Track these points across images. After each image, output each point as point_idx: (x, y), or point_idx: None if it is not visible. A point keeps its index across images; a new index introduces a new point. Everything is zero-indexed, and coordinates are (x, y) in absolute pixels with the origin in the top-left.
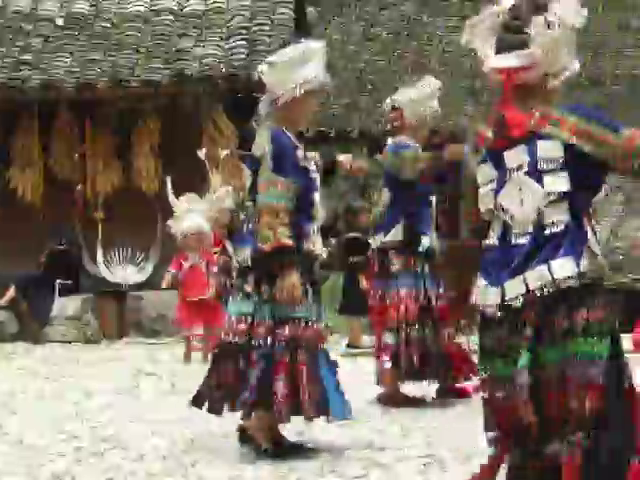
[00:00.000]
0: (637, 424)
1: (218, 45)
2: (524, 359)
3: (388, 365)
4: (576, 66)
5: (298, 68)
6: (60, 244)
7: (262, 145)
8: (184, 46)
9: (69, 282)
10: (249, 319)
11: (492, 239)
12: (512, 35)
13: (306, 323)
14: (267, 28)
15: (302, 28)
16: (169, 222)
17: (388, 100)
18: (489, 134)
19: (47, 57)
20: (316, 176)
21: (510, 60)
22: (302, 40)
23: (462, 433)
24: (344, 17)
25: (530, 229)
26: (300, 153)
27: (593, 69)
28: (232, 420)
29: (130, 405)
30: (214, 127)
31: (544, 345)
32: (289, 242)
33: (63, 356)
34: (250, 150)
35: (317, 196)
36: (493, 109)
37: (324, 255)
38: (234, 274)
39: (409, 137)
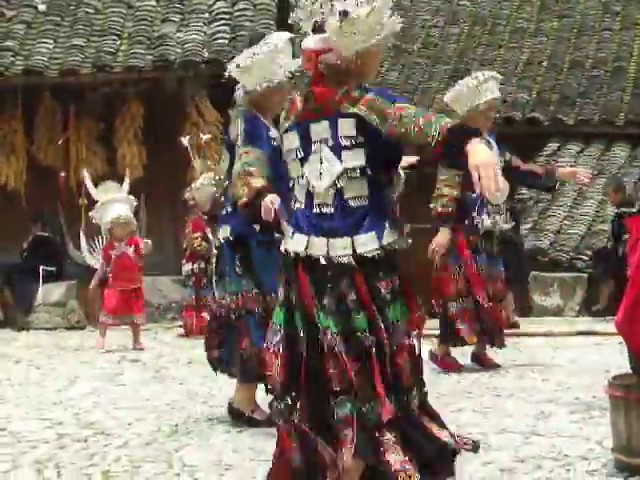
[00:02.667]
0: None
1: (200, 30)
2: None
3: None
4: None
5: (265, 67)
6: (43, 231)
7: (236, 127)
8: (167, 31)
9: (53, 269)
10: (235, 297)
11: (298, 204)
12: (317, 21)
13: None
14: (249, 13)
15: (284, 12)
16: (91, 213)
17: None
18: (299, 106)
19: (30, 43)
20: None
21: (311, 42)
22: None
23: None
24: None
25: (330, 201)
26: (273, 133)
27: (575, 52)
28: (215, 406)
29: (114, 392)
30: (197, 112)
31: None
32: (261, 186)
33: (47, 343)
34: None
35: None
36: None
37: None
38: (213, 260)
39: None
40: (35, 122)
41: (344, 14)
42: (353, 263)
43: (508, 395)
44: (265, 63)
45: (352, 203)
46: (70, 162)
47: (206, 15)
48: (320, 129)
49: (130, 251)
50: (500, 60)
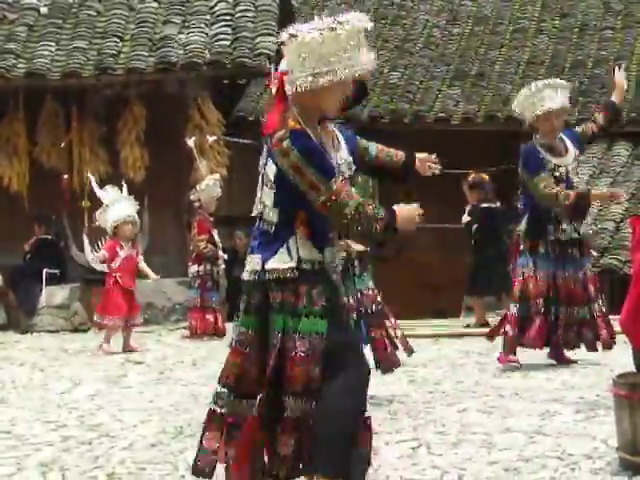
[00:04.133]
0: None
1: (202, 32)
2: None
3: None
4: (327, 78)
5: None
6: (47, 233)
7: None
8: (168, 33)
9: (56, 271)
10: None
11: None
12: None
13: None
14: (251, 14)
15: (286, 14)
16: (96, 214)
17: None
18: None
19: (32, 46)
20: None
21: (281, 65)
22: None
23: (449, 416)
24: (329, 2)
25: (257, 223)
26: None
27: (577, 51)
28: None
29: (118, 394)
30: (200, 114)
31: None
32: None
33: (51, 345)
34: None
35: None
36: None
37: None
38: (219, 262)
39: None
40: (37, 124)
41: (293, 36)
42: (257, 278)
43: (512, 394)
44: None
45: (264, 227)
46: (73, 164)
47: (208, 17)
48: (264, 156)
49: (134, 253)
50: (502, 60)
